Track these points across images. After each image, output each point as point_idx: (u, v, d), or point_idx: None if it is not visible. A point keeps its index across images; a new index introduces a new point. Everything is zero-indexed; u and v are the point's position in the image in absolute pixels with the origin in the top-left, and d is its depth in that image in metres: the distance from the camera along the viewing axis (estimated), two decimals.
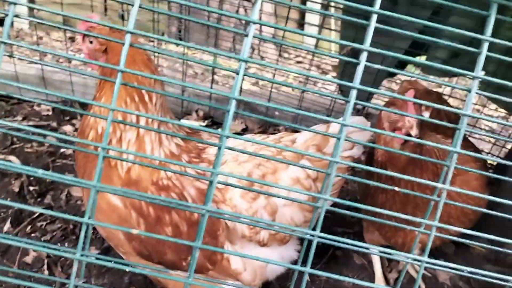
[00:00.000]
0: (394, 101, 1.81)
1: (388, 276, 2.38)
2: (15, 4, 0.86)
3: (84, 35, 1.66)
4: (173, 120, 1.75)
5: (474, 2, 1.01)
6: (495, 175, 1.09)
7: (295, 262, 1.78)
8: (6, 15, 0.86)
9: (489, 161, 3.45)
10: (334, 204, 1.63)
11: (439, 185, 0.96)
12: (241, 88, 4.08)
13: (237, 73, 0.94)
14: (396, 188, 0.99)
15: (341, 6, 3.43)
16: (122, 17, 3.33)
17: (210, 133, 1.91)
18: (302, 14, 6.85)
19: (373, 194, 2.02)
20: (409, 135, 1.69)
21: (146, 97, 1.61)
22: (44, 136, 3.29)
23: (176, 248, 1.61)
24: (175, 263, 1.66)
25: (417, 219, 0.98)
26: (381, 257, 2.38)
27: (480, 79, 0.96)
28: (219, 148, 0.96)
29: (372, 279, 2.33)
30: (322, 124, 1.79)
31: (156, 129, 0.96)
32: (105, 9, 6.94)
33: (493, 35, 0.95)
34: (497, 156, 3.42)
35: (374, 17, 0.92)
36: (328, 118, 1.00)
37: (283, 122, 0.98)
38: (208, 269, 1.69)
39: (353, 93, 0.94)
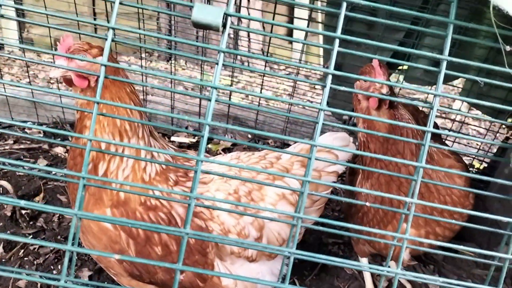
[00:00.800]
0: (362, 70, 1.93)
1: (377, 284, 2.40)
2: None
3: (68, 58, 1.64)
4: (157, 143, 1.79)
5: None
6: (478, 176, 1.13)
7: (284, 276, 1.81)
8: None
9: (475, 166, 3.51)
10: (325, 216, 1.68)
11: (408, 199, 1.00)
12: (230, 99, 4.14)
13: (209, 100, 0.98)
14: (368, 204, 1.02)
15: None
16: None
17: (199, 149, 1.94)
18: (290, 31, 6.92)
19: (360, 183, 2.07)
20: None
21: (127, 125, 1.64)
22: (37, 157, 3.33)
23: (166, 267, 1.64)
24: (166, 282, 1.68)
25: (390, 233, 1.01)
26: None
27: (440, 96, 1.00)
28: (195, 172, 1.00)
29: None
30: (304, 140, 1.83)
31: (143, 158, 1.00)
32: (95, 30, 7.01)
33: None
34: (483, 161, 3.47)
35: (344, 5, 0.97)
36: (312, 119, 1.05)
37: (270, 134, 1.02)
38: (199, 286, 1.72)
39: (328, 78, 0.99)
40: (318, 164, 1.77)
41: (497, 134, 3.45)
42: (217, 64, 0.98)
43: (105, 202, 1.63)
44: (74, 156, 1.70)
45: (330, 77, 0.99)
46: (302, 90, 5.27)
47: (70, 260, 1.02)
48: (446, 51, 0.99)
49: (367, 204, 1.04)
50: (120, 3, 0.97)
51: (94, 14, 5.68)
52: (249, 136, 3.94)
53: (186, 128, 3.96)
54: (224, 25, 0.96)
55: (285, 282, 1.03)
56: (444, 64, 0.99)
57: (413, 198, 1.00)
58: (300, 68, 3.86)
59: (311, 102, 5.15)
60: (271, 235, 1.71)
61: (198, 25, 0.95)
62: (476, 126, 4.02)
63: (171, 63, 4.67)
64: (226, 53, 0.97)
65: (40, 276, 1.83)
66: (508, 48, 0.97)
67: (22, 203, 0.97)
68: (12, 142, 3.58)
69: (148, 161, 1.66)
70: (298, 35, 6.58)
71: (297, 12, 6.57)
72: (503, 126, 3.49)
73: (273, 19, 3.29)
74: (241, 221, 1.68)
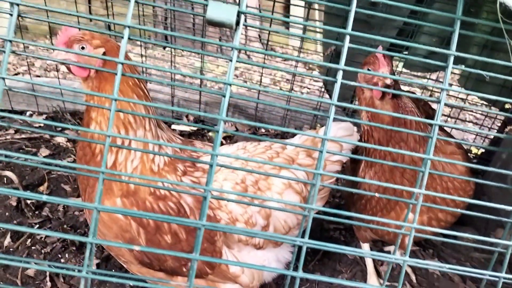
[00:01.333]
0: (366, 61, 1.94)
1: (379, 269, 2.47)
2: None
3: (67, 43, 1.63)
4: (164, 136, 1.81)
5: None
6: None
7: (289, 263, 1.86)
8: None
9: (473, 151, 3.56)
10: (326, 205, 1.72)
11: (416, 190, 1.04)
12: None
13: (224, 96, 1.01)
14: (377, 195, 1.06)
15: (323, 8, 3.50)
16: (109, 27, 3.36)
17: (203, 140, 1.97)
18: (287, 12, 6.91)
19: (363, 171, 2.11)
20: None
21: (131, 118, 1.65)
22: (39, 147, 3.35)
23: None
24: (175, 269, 1.73)
25: (397, 222, 1.05)
26: (371, 250, 2.47)
27: (448, 90, 1.04)
28: (211, 166, 1.03)
29: (364, 272, 2.41)
30: (310, 130, 1.86)
31: (152, 151, 1.03)
32: (90, 13, 6.96)
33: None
34: (480, 147, 3.52)
35: (354, 2, 1.00)
36: (315, 112, 1.09)
37: (271, 127, 1.05)
38: (207, 273, 1.76)
39: (339, 74, 1.02)
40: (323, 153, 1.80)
41: (495, 120, 3.51)
42: (230, 61, 1.00)
43: (115, 192, 1.66)
44: (83, 146, 1.72)
45: (340, 72, 1.02)
46: (300, 77, 5.28)
47: (90, 252, 1.06)
48: (454, 46, 1.02)
49: (376, 195, 1.07)
50: (136, 1, 0.99)
51: (90, 12, 5.63)
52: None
53: (187, 116, 3.98)
54: (237, 23, 0.98)
55: (298, 270, 1.07)
56: (451, 58, 1.02)
57: (421, 189, 1.04)
58: (300, 53, 3.86)
59: (309, 88, 5.17)
60: (278, 223, 1.76)
61: (212, 23, 0.97)
62: (473, 113, 4.07)
63: (170, 50, 4.67)
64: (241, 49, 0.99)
65: (61, 268, 1.87)
66: None
67: (44, 197, 1.00)
68: (13, 131, 3.59)
69: (160, 155, 1.69)
70: (295, 9, 6.54)
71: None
72: (496, 123, 3.55)
73: (273, 5, 3.30)
74: (249, 210, 1.72)
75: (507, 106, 3.18)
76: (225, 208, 1.72)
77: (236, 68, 5.04)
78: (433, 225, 1.99)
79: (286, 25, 7.07)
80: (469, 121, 4.07)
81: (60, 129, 3.74)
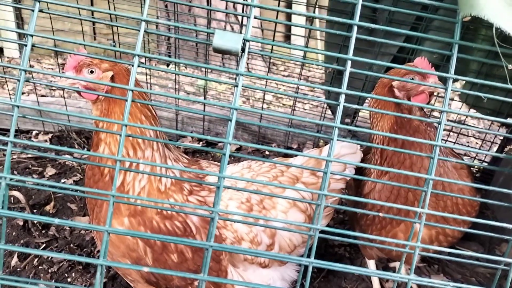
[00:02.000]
0: (407, 71, 1.89)
1: (385, 285, 2.47)
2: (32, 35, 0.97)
3: (76, 68, 1.69)
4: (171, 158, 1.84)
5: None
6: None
7: (295, 282, 1.88)
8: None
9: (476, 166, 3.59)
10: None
11: (418, 209, 1.07)
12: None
13: (230, 120, 1.04)
14: (381, 214, 1.09)
15: (324, 22, 3.56)
16: (114, 51, 3.42)
17: (207, 157, 2.00)
18: (288, 26, 7.00)
19: (366, 193, 2.11)
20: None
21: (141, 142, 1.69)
22: (45, 166, 3.38)
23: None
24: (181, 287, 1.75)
25: (401, 241, 1.08)
26: (377, 268, 2.48)
27: (447, 112, 1.07)
28: (218, 188, 1.06)
29: None
30: (315, 149, 1.88)
31: (159, 174, 1.06)
32: (94, 33, 7.06)
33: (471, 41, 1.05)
34: (483, 161, 3.54)
35: (355, 28, 1.04)
36: (317, 134, 1.12)
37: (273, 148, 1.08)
38: None
39: (342, 97, 1.05)
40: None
41: (497, 135, 3.53)
42: (236, 86, 1.04)
43: (123, 212, 1.68)
44: (92, 167, 1.75)
45: (343, 96, 1.05)
46: (303, 90, 5.33)
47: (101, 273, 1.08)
48: (452, 70, 1.05)
49: (380, 214, 1.10)
50: (146, 31, 1.03)
51: (94, 33, 5.72)
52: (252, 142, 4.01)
53: (191, 132, 4.02)
54: (243, 50, 1.02)
55: None
56: (451, 81, 1.06)
57: (424, 208, 1.06)
58: (302, 69, 3.91)
59: (312, 104, 5.21)
60: (283, 242, 1.78)
61: (218, 51, 1.01)
62: (474, 126, 4.09)
63: (172, 67, 4.73)
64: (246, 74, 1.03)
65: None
66: (510, 66, 1.03)
67: (56, 221, 1.03)
68: (19, 151, 3.62)
69: (167, 177, 1.72)
70: (297, 30, 6.61)
71: (295, 19, 6.66)
72: (498, 137, 3.57)
73: (275, 26, 3.35)
74: (254, 229, 1.74)
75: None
76: (231, 227, 1.74)
77: (237, 85, 5.09)
78: (440, 240, 1.99)
79: (288, 40, 7.15)
80: (471, 136, 4.10)
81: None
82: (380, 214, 1.08)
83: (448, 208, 1.97)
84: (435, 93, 1.78)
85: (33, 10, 1.00)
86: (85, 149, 3.76)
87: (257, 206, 1.75)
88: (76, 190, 1.72)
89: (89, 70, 1.68)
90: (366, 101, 3.76)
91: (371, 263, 2.42)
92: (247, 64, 6.53)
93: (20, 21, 6.41)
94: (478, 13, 0.96)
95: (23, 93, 5.07)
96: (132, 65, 1.02)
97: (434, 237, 1.99)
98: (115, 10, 3.48)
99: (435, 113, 4.06)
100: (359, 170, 2.29)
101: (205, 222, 1.71)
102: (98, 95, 1.68)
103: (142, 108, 1.72)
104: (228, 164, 2.00)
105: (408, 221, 1.06)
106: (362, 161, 2.14)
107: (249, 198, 1.76)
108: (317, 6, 3.18)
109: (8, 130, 3.85)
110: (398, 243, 1.09)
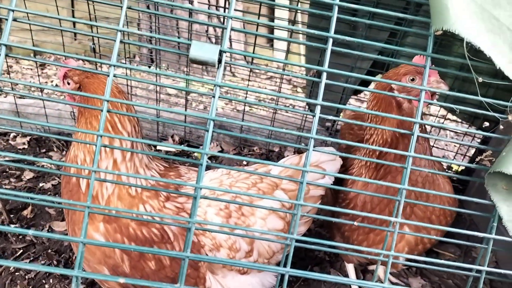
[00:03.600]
0: (407, 71, 1.78)
1: None
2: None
3: (63, 79, 1.78)
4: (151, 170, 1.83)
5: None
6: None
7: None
8: None
9: (454, 168, 3.65)
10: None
11: (392, 218, 1.09)
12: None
13: (207, 131, 1.05)
14: (355, 223, 1.10)
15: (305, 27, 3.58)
16: (94, 50, 3.39)
17: (188, 164, 1.99)
18: (271, 29, 7.01)
19: (349, 200, 2.10)
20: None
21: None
22: (23, 170, 3.33)
23: (160, 281, 1.69)
24: None
25: (376, 250, 1.10)
26: (356, 272, 2.51)
27: (419, 123, 1.09)
28: (195, 198, 1.06)
29: None
30: (295, 156, 1.89)
31: (128, 183, 1.06)
32: (75, 34, 6.97)
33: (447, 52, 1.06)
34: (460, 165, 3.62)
35: (330, 41, 1.05)
36: (298, 133, 1.13)
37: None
38: None
39: (317, 108, 1.06)
40: (307, 178, 1.84)
41: (474, 138, 3.61)
42: (213, 97, 1.04)
43: (97, 217, 1.66)
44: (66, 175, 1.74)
45: (318, 107, 1.07)
46: (285, 94, 5.36)
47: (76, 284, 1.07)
48: (425, 81, 1.08)
49: (355, 223, 1.12)
50: (122, 41, 1.03)
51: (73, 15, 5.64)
52: (235, 144, 4.01)
53: (172, 136, 4.00)
54: (219, 61, 1.03)
55: None
56: (423, 93, 1.08)
57: (397, 217, 1.08)
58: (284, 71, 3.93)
59: (294, 106, 5.23)
60: (262, 248, 1.78)
61: (195, 61, 1.01)
62: (453, 130, 4.17)
63: (154, 68, 4.70)
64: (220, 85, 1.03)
65: None
66: (480, 79, 1.06)
67: (30, 232, 1.02)
68: None
69: (137, 187, 1.71)
70: (279, 34, 6.64)
71: (278, 13, 6.69)
72: (472, 148, 3.64)
73: (258, 19, 3.36)
74: (232, 236, 1.74)
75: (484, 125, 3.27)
76: (209, 234, 1.74)
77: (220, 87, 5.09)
78: (425, 242, 1.99)
79: (271, 42, 7.17)
80: (450, 138, 4.18)
81: (44, 151, 3.74)
82: (355, 223, 1.09)
83: (436, 213, 1.98)
84: (444, 88, 1.71)
85: (6, 19, 0.99)
86: (64, 152, 3.72)
87: (235, 213, 1.75)
88: (53, 202, 1.71)
89: (67, 82, 1.77)
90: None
91: (350, 267, 2.45)
92: (230, 66, 6.53)
93: None
94: (449, 28, 0.98)
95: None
96: (108, 75, 1.02)
97: (419, 240, 2.00)
98: (94, 12, 3.44)
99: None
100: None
101: (183, 229, 1.70)
102: (73, 105, 1.69)
103: (119, 118, 1.71)
104: (208, 170, 2.01)
105: (383, 229, 1.08)
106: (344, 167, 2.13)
107: (228, 205, 1.76)
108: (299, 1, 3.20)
109: None
110: (372, 251, 1.10)
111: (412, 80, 1.74)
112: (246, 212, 1.76)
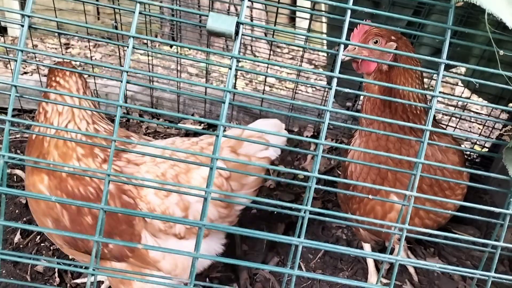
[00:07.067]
0: (370, 32, 1.83)
1: (380, 267, 2.51)
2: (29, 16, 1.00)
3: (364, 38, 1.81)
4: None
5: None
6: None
7: (220, 255, 1.92)
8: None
9: (477, 149, 3.59)
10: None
11: (408, 192, 1.09)
12: (235, 85, 4.20)
13: (223, 102, 1.06)
14: (370, 196, 1.11)
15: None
16: (116, 28, 3.41)
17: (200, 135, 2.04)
18: (291, 17, 6.93)
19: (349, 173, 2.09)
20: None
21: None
22: None
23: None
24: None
25: (390, 224, 1.10)
26: (373, 249, 2.51)
27: (438, 96, 1.08)
28: (211, 169, 1.08)
29: (365, 270, 2.46)
30: (236, 129, 1.98)
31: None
32: (98, 13, 7.04)
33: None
34: (484, 146, 3.55)
35: (348, 12, 1.04)
36: (314, 105, 1.15)
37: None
38: (128, 256, 1.80)
39: (334, 81, 1.06)
40: (249, 149, 1.87)
41: (499, 118, 3.52)
42: (230, 69, 1.05)
43: (42, 169, 1.76)
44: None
45: (335, 80, 1.07)
46: (307, 74, 5.31)
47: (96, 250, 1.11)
48: (444, 55, 1.06)
49: (370, 197, 1.12)
50: (140, 12, 1.04)
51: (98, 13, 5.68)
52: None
53: (192, 115, 4.04)
54: (236, 33, 1.03)
55: (294, 268, 1.12)
56: (442, 67, 1.06)
57: (412, 191, 1.08)
58: (305, 52, 3.87)
59: (314, 88, 5.20)
60: (198, 216, 1.78)
61: (212, 33, 1.02)
62: (477, 112, 4.08)
63: (176, 48, 4.72)
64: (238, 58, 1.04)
65: (69, 265, 1.93)
66: (501, 52, 1.03)
67: (53, 198, 1.06)
68: (17, 130, 3.65)
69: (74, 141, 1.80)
70: (300, 21, 6.59)
71: (300, 1, 6.61)
72: (501, 116, 3.55)
73: (277, 10, 3.33)
74: (166, 201, 1.78)
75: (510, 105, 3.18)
76: (144, 198, 1.77)
77: (241, 67, 5.09)
78: (431, 218, 1.97)
79: (293, 22, 7.10)
80: (473, 121, 4.09)
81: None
82: (370, 196, 1.10)
83: (436, 179, 1.93)
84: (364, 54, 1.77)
85: None
86: None
87: (171, 180, 1.79)
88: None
89: (374, 40, 1.80)
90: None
91: (367, 246, 2.46)
92: (251, 46, 6.50)
93: (24, 0, 6.39)
94: None
95: (26, 73, 5.08)
96: (127, 47, 1.03)
97: (424, 216, 1.98)
98: None
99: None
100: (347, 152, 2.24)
101: (119, 190, 1.75)
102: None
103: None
104: (156, 140, 2.03)
105: (398, 203, 1.08)
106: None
107: (165, 173, 1.81)
108: None
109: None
110: (387, 224, 1.11)
111: (376, 42, 1.81)
112: (182, 180, 1.80)
